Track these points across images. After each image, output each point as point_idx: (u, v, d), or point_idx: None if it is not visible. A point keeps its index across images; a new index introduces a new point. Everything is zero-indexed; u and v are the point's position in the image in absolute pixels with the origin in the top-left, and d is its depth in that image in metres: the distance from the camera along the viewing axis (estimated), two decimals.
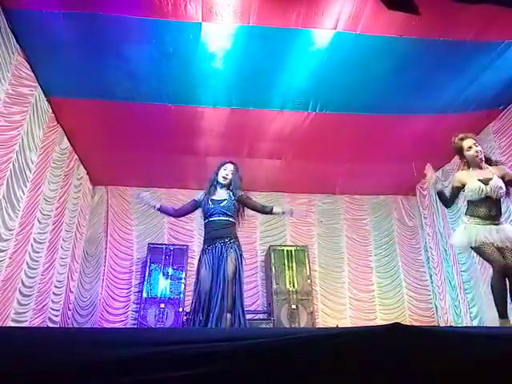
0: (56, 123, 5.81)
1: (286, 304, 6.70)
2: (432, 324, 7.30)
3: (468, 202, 3.51)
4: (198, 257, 3.67)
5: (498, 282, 3.22)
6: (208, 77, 5.14)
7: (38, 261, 5.57)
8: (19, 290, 5.10)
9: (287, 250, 7.33)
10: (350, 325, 7.19)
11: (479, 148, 3.50)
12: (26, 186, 5.07)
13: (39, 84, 5.09)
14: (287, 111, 5.78)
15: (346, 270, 7.94)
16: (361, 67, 4.92)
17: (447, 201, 3.62)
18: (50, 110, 5.55)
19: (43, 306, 5.80)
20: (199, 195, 3.79)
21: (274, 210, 3.72)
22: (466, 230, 3.42)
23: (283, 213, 3.78)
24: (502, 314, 3.19)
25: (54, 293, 6.13)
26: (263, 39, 4.57)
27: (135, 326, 6.59)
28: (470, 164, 3.53)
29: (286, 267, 7.10)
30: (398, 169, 7.17)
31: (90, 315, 7.06)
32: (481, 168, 3.50)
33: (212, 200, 3.64)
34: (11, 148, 4.67)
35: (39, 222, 5.55)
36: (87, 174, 7.41)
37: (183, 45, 4.65)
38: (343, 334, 1.25)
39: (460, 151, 3.57)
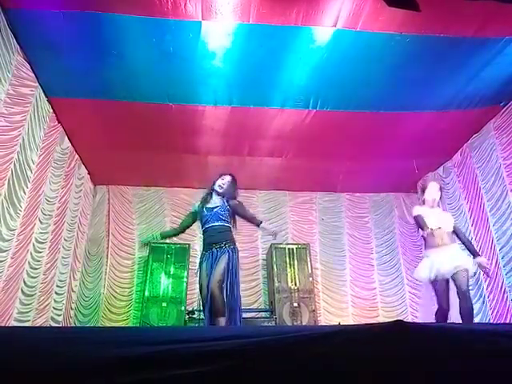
0: (57, 123, 5.82)
1: (287, 302, 6.70)
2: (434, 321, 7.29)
3: (424, 238, 3.93)
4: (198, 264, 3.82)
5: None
6: (208, 75, 5.14)
7: (39, 260, 5.58)
8: (21, 290, 5.11)
9: (289, 249, 7.33)
10: (352, 322, 7.19)
11: (437, 196, 4.07)
12: (27, 186, 5.07)
13: (39, 84, 5.09)
14: (288, 109, 5.77)
15: (347, 267, 7.94)
16: (361, 64, 4.91)
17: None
18: (51, 110, 5.55)
19: (46, 306, 5.81)
20: (195, 205, 3.97)
21: (261, 225, 3.84)
22: (428, 261, 3.81)
23: (268, 233, 4.11)
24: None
25: (56, 292, 6.14)
26: (263, 37, 4.56)
27: (138, 325, 6.60)
28: (425, 203, 4.07)
29: (288, 265, 7.11)
30: (399, 166, 7.17)
31: (92, 314, 7.07)
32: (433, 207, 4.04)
33: (206, 208, 3.79)
34: (12, 148, 4.67)
35: (41, 222, 5.56)
36: (88, 173, 7.41)
37: (183, 43, 4.64)
38: (345, 331, 1.25)
39: (423, 190, 4.17)
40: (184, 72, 5.06)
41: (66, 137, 6.22)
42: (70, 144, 6.37)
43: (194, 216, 3.93)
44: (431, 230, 3.77)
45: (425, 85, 5.31)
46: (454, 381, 1.04)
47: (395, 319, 1.26)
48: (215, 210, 3.75)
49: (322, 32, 4.54)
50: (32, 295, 5.38)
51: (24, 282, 5.17)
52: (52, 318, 5.99)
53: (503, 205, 5.66)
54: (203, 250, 3.75)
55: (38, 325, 5.46)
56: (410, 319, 7.17)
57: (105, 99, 5.44)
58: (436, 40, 4.56)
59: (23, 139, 4.87)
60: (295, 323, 6.43)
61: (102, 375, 0.95)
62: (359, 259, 8.03)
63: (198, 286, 3.86)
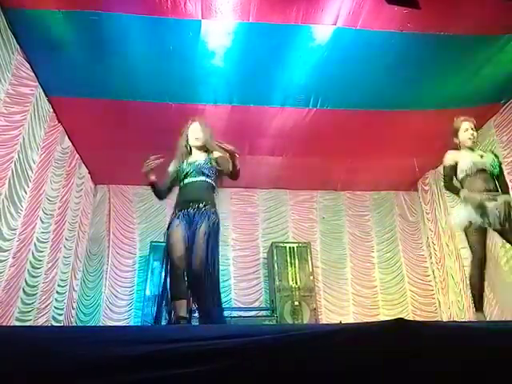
0: (57, 122, 5.82)
1: (288, 301, 6.70)
2: (435, 319, 7.30)
3: (462, 180, 3.44)
4: (168, 223, 3.15)
5: (475, 275, 3.23)
6: (208, 74, 5.13)
7: (41, 260, 5.59)
8: (23, 290, 5.12)
9: (290, 247, 7.32)
10: (353, 321, 7.19)
11: (474, 133, 3.53)
12: (28, 186, 5.08)
13: (39, 83, 5.09)
14: (288, 108, 5.77)
15: (348, 266, 7.94)
16: (361, 62, 4.91)
17: (446, 174, 3.54)
18: (51, 110, 5.55)
19: (47, 305, 5.82)
20: (171, 167, 3.34)
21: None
22: (465, 207, 3.31)
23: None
24: (477, 308, 3.20)
25: (57, 292, 6.15)
26: (263, 36, 4.56)
27: (138, 325, 6.60)
28: (462, 147, 3.56)
29: (289, 264, 7.10)
30: (400, 164, 7.17)
31: (93, 314, 7.08)
32: (472, 150, 3.52)
33: (187, 162, 3.19)
34: (12, 148, 4.67)
35: (42, 222, 5.57)
36: (89, 173, 7.41)
37: (183, 42, 4.64)
38: (346, 330, 1.25)
39: (456, 132, 3.60)
40: (184, 71, 5.06)
41: (67, 136, 6.22)
42: (70, 143, 6.37)
43: (174, 177, 3.28)
44: None
45: (425, 82, 5.31)
46: (455, 379, 1.04)
47: (396, 317, 1.26)
48: (197, 163, 3.14)
49: (322, 30, 4.53)
50: (33, 294, 5.38)
51: (25, 282, 5.17)
52: (53, 318, 6.00)
53: None
54: (175, 208, 3.11)
55: (39, 324, 5.47)
56: (411, 317, 7.17)
57: (105, 98, 5.44)
58: (436, 38, 4.55)
59: (23, 139, 4.87)
60: (296, 322, 6.43)
61: (102, 374, 0.95)
62: (360, 257, 8.02)
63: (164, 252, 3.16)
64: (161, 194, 3.36)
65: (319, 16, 4.34)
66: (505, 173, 3.55)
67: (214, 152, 3.21)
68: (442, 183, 3.70)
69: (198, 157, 3.22)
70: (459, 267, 6.84)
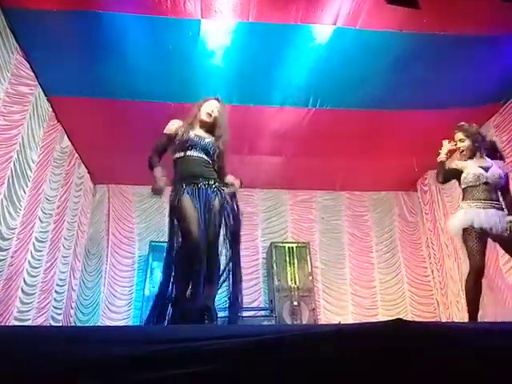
0: (56, 122, 5.81)
1: (287, 301, 6.70)
2: (434, 319, 7.30)
3: (464, 190, 3.40)
4: (172, 197, 2.88)
5: (472, 289, 3.13)
6: (207, 74, 5.13)
7: (39, 259, 5.58)
8: (22, 289, 5.11)
9: (289, 247, 7.33)
10: (352, 321, 7.19)
11: (462, 144, 3.49)
12: (26, 185, 5.07)
13: (39, 83, 5.09)
14: (287, 108, 5.77)
15: (347, 266, 7.94)
16: (361, 62, 4.91)
17: (444, 173, 3.49)
18: (50, 109, 5.55)
19: (46, 305, 5.81)
20: (173, 127, 3.09)
21: (228, 178, 3.01)
22: (465, 213, 3.25)
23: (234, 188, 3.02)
24: (472, 318, 3.13)
25: (56, 291, 6.14)
26: (263, 35, 4.56)
27: (138, 324, 6.59)
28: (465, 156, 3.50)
29: (288, 264, 7.10)
30: (399, 164, 7.16)
31: (92, 313, 7.07)
32: (474, 157, 3.45)
33: (195, 134, 2.96)
34: (12, 147, 4.67)
35: (40, 221, 5.56)
36: (88, 172, 7.40)
37: (182, 42, 4.64)
38: (345, 330, 1.25)
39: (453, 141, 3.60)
40: (183, 71, 5.05)
41: (66, 136, 6.21)
42: (69, 143, 6.36)
43: (170, 139, 3.03)
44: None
45: (424, 83, 5.31)
46: (454, 380, 1.04)
47: (395, 317, 1.26)
48: (205, 140, 2.92)
49: (322, 30, 4.54)
50: (32, 294, 5.38)
51: (24, 281, 5.17)
52: (52, 317, 6.00)
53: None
54: (181, 182, 2.82)
55: (38, 324, 5.46)
56: (409, 318, 7.17)
57: (104, 98, 5.43)
58: (436, 38, 4.56)
59: (23, 138, 4.87)
60: (295, 322, 6.43)
61: (102, 374, 0.95)
62: (359, 258, 8.03)
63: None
64: (154, 162, 3.06)
65: (319, 16, 4.34)
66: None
67: (220, 140, 3.01)
68: (439, 179, 3.62)
69: (204, 134, 3.00)
70: (458, 268, 6.85)
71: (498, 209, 3.23)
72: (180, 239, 2.79)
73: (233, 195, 2.98)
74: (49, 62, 4.83)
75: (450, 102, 5.65)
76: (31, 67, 4.83)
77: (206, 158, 2.88)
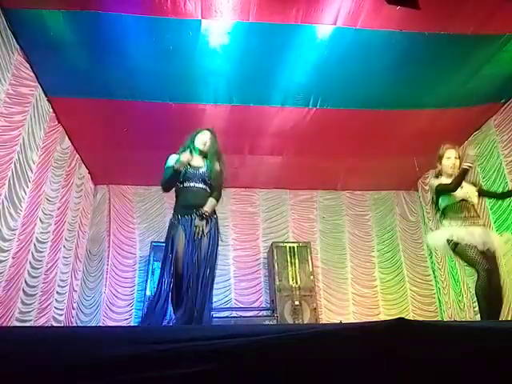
0: (57, 123, 5.81)
1: (289, 300, 6.70)
2: (435, 319, 7.30)
3: (444, 209, 3.58)
4: (169, 225, 3.30)
5: (485, 286, 3.13)
6: (208, 74, 5.13)
7: (41, 260, 5.58)
8: (23, 290, 5.12)
9: (290, 247, 7.32)
10: (353, 320, 7.19)
11: (457, 162, 3.62)
12: (27, 186, 5.07)
13: (39, 84, 5.08)
14: (288, 107, 5.76)
15: (348, 265, 7.94)
16: (361, 62, 4.90)
17: (458, 184, 3.45)
18: (51, 110, 5.55)
19: (47, 306, 5.82)
20: (175, 161, 3.25)
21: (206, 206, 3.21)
22: (447, 229, 3.44)
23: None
24: (491, 317, 3.09)
25: (57, 292, 6.14)
26: (263, 35, 4.55)
27: (139, 325, 6.60)
28: (443, 173, 3.67)
29: (289, 264, 7.10)
30: (400, 164, 7.16)
31: (93, 314, 7.08)
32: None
33: (190, 165, 3.26)
34: (12, 148, 4.67)
35: (41, 222, 5.56)
36: (89, 173, 7.41)
37: (183, 42, 4.64)
38: (347, 329, 1.25)
39: (440, 158, 3.73)
40: (184, 70, 5.05)
41: (67, 136, 6.21)
42: (70, 144, 6.37)
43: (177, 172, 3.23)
44: None
45: (425, 82, 5.30)
46: (455, 378, 1.04)
47: (397, 317, 1.26)
48: (200, 170, 3.26)
49: (322, 30, 4.53)
50: (33, 295, 5.38)
51: (25, 282, 5.17)
52: (54, 318, 6.00)
53: (504, 202, 5.65)
54: (177, 212, 3.20)
55: (39, 324, 5.47)
56: (411, 317, 7.16)
57: (105, 98, 5.43)
58: (436, 37, 4.55)
59: (23, 139, 4.87)
60: (296, 321, 6.43)
61: (102, 374, 0.95)
62: (360, 257, 8.02)
63: (169, 256, 3.16)
64: (172, 185, 3.34)
65: (319, 16, 4.34)
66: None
67: (215, 164, 3.36)
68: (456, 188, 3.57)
69: (199, 162, 3.33)
70: (460, 267, 6.84)
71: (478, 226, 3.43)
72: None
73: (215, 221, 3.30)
74: (49, 62, 4.83)
75: (451, 102, 5.65)
76: (32, 68, 4.83)
77: (202, 186, 3.24)
